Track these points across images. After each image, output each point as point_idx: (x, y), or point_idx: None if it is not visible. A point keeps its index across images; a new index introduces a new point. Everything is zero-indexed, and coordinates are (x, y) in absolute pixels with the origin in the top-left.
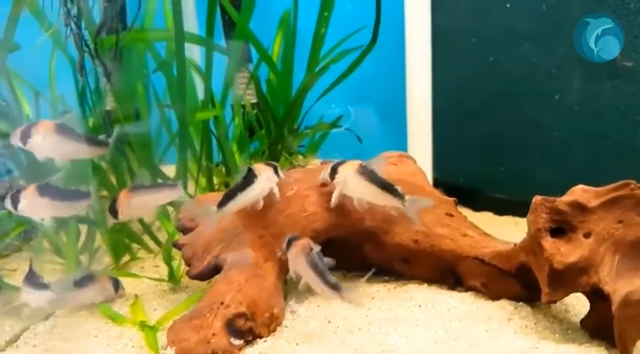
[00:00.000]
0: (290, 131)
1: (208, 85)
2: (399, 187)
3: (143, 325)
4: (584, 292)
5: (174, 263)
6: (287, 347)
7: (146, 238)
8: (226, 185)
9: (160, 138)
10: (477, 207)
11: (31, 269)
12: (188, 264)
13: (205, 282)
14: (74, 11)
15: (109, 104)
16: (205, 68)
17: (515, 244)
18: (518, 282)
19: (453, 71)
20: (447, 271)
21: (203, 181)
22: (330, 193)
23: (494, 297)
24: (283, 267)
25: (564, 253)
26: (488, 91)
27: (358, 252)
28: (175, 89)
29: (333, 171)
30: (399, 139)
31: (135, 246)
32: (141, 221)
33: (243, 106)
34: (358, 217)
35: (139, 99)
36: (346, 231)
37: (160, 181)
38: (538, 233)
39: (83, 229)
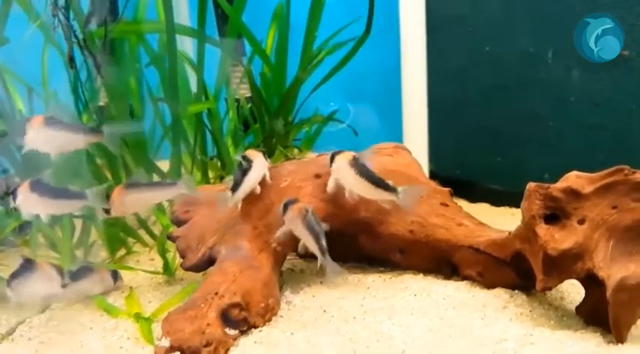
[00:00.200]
0: (284, 124)
1: (201, 78)
2: (390, 182)
3: (138, 317)
4: (578, 279)
5: (169, 255)
6: (282, 337)
7: (141, 231)
8: (221, 179)
9: (154, 133)
10: (473, 198)
11: (28, 260)
12: (182, 256)
13: (200, 273)
14: (62, 1)
15: (102, 100)
16: (197, 61)
17: (509, 233)
18: (514, 270)
19: (449, 62)
20: (443, 261)
21: (198, 174)
22: (325, 185)
23: (489, 285)
24: (278, 258)
25: (558, 239)
26: (484, 82)
27: (353, 243)
28: (168, 82)
29: (332, 159)
30: (394, 131)
31: (130, 240)
32: (136, 215)
33: (238, 100)
34: (353, 207)
35: (132, 94)
36: (341, 222)
37: (155, 176)
38: (532, 220)
39: (78, 223)
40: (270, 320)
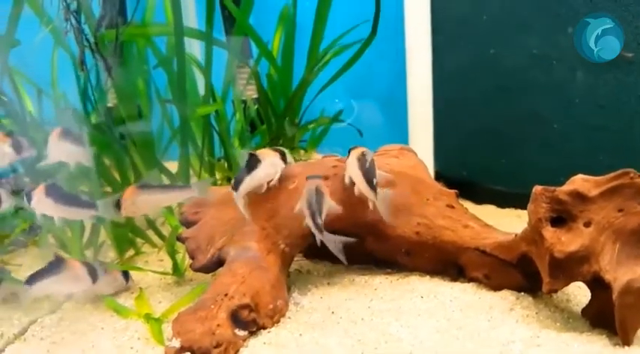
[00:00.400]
0: (291, 126)
1: (208, 80)
2: (375, 182)
3: (148, 318)
4: (584, 281)
5: (178, 256)
6: (290, 338)
7: (150, 232)
8: (229, 180)
9: (162, 134)
10: (478, 200)
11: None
12: (192, 257)
13: (209, 274)
14: (74, 5)
15: (111, 101)
16: (205, 63)
17: (516, 235)
18: (520, 272)
19: (454, 64)
20: (449, 263)
21: (206, 176)
22: (332, 186)
23: (496, 287)
24: (286, 259)
25: (565, 242)
26: (489, 84)
27: (360, 245)
28: (176, 85)
29: (349, 152)
30: (400, 133)
31: (139, 240)
32: (145, 216)
33: (244, 102)
34: (360, 209)
35: (140, 95)
36: (348, 223)
37: (163, 177)
38: (538, 223)
39: (87, 223)
40: (278, 321)
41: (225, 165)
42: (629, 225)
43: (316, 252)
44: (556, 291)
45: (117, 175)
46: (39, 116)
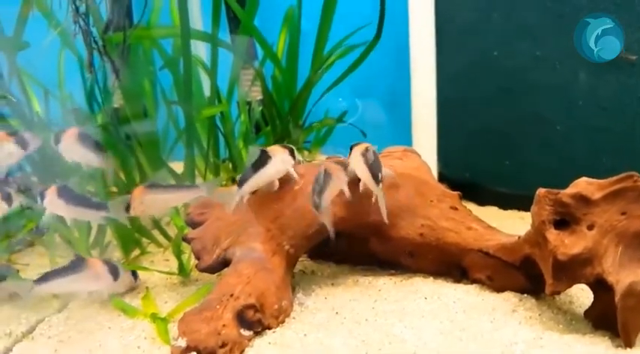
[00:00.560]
0: (295, 127)
1: (214, 82)
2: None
3: (155, 317)
4: (587, 283)
5: (184, 257)
6: (295, 338)
7: (156, 232)
8: (233, 181)
9: (167, 135)
10: (481, 201)
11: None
12: (197, 257)
13: (215, 275)
14: (82, 9)
15: (117, 102)
16: (211, 65)
17: (519, 237)
18: (523, 274)
19: (458, 66)
20: (453, 264)
21: (211, 176)
22: None
23: (499, 289)
24: (290, 260)
25: (568, 244)
26: (492, 86)
27: (364, 246)
28: (182, 86)
29: (350, 149)
30: (403, 134)
31: (145, 240)
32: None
33: (249, 103)
34: (364, 211)
35: (146, 96)
36: (352, 225)
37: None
38: (542, 225)
39: (94, 223)
40: (283, 322)
41: (230, 166)
42: (631, 228)
43: (321, 253)
44: (559, 293)
45: (121, 175)
46: (46, 117)
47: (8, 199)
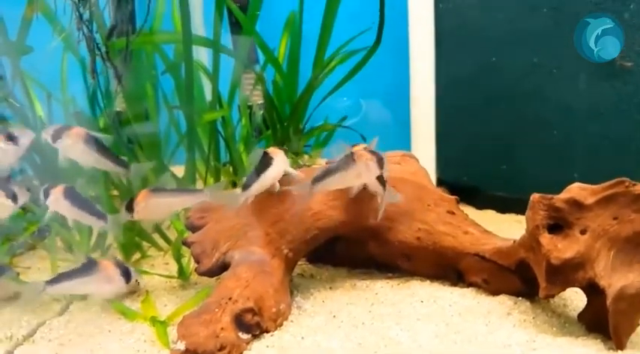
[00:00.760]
0: (295, 131)
1: (216, 87)
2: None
3: (154, 321)
4: (580, 287)
5: (184, 260)
6: (293, 341)
7: (156, 236)
8: (234, 184)
9: (169, 139)
10: (479, 205)
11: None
12: (197, 261)
13: (214, 278)
14: (86, 15)
15: (119, 105)
16: (212, 70)
17: (514, 241)
18: (518, 277)
19: (456, 72)
20: (449, 268)
21: (211, 180)
22: (335, 192)
23: (494, 292)
24: (289, 264)
25: (561, 249)
26: (490, 91)
27: (362, 249)
28: (183, 91)
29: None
30: (402, 139)
31: (145, 244)
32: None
33: (250, 107)
34: (362, 215)
35: (148, 100)
36: (351, 229)
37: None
38: (536, 230)
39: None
40: (281, 325)
41: (231, 169)
42: (623, 232)
43: (319, 256)
44: (553, 296)
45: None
46: (48, 120)
47: (14, 198)
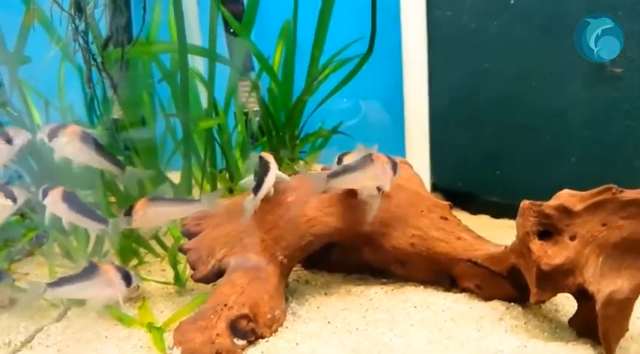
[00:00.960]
0: (290, 138)
1: (211, 95)
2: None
3: (151, 327)
4: (570, 293)
5: (180, 267)
6: (287, 347)
7: (153, 242)
8: (230, 191)
9: (165, 145)
10: (473, 210)
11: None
12: (193, 268)
13: (210, 285)
14: (82, 27)
15: (116, 113)
16: (208, 78)
17: (506, 247)
18: (510, 283)
19: (449, 79)
20: (442, 273)
21: (208, 187)
22: (330, 199)
23: (487, 298)
24: (284, 270)
25: (551, 255)
26: (483, 98)
27: (357, 255)
28: (180, 99)
29: (339, 160)
30: (397, 146)
31: (142, 250)
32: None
33: (246, 114)
34: (357, 221)
35: (144, 108)
36: (345, 235)
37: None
38: (526, 236)
39: (92, 233)
40: (276, 331)
41: (227, 176)
42: (611, 238)
43: (315, 263)
44: (543, 302)
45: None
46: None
47: (13, 198)
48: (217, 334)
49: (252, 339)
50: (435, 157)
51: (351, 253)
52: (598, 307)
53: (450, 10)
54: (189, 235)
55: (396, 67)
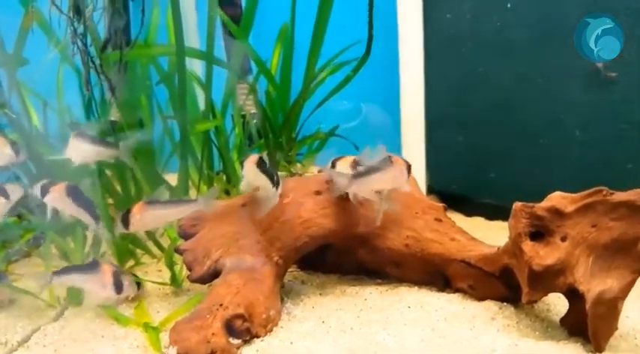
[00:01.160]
0: (288, 140)
1: (209, 97)
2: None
3: (147, 326)
4: (561, 292)
5: (176, 268)
6: (282, 346)
7: (150, 244)
8: (227, 193)
9: (163, 147)
10: (468, 212)
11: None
12: (189, 268)
13: (205, 285)
14: (80, 29)
15: (114, 115)
16: (205, 80)
17: (498, 248)
18: (503, 283)
19: (446, 82)
20: (436, 274)
21: (205, 188)
22: (325, 201)
23: (480, 298)
24: (280, 271)
25: (542, 255)
26: (478, 101)
27: (352, 256)
28: (177, 101)
29: (333, 165)
30: (393, 149)
31: (139, 251)
32: None
33: (243, 116)
34: (352, 223)
35: (142, 110)
36: (341, 236)
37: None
38: (518, 237)
39: (89, 234)
40: (271, 330)
41: (224, 178)
42: (601, 239)
43: (311, 263)
44: (535, 301)
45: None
46: (44, 129)
47: (5, 195)
48: (213, 334)
49: (248, 338)
50: (430, 160)
51: (346, 255)
52: (588, 306)
53: (447, 12)
54: (186, 237)
55: (393, 70)
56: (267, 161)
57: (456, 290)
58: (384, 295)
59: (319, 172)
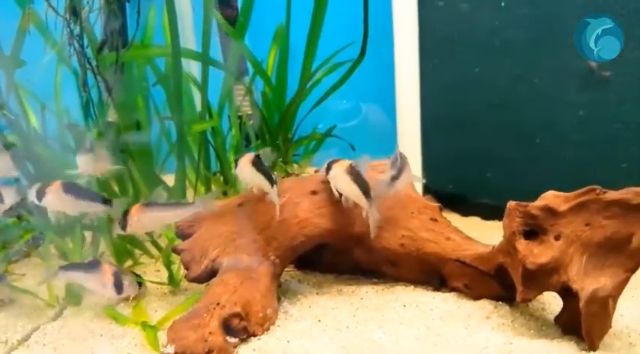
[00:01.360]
0: (284, 141)
1: (205, 98)
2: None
3: (145, 325)
4: (555, 291)
5: (174, 267)
6: (279, 345)
7: (148, 244)
8: (224, 194)
9: (160, 148)
10: (464, 212)
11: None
12: (187, 268)
13: (203, 285)
14: (77, 30)
15: (111, 116)
16: (202, 81)
17: (493, 247)
18: (498, 282)
19: (441, 82)
20: (432, 273)
21: (202, 189)
22: (321, 200)
23: (475, 297)
24: (277, 270)
25: (536, 254)
26: (474, 102)
27: (349, 256)
28: (174, 102)
29: (328, 167)
30: (390, 148)
31: (137, 251)
32: None
33: (240, 117)
34: (348, 223)
35: (139, 111)
36: (337, 236)
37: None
38: (512, 236)
39: (87, 234)
40: (268, 329)
41: (221, 179)
42: (595, 238)
43: (308, 263)
44: (529, 300)
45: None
46: (42, 131)
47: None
48: (210, 332)
49: (244, 337)
50: (426, 160)
51: (342, 254)
52: (582, 304)
53: (442, 12)
54: (183, 236)
55: (389, 71)
56: (263, 159)
57: (452, 289)
58: (379, 294)
59: (315, 172)
